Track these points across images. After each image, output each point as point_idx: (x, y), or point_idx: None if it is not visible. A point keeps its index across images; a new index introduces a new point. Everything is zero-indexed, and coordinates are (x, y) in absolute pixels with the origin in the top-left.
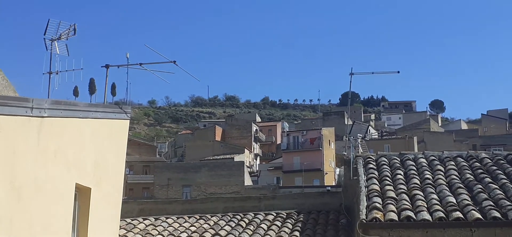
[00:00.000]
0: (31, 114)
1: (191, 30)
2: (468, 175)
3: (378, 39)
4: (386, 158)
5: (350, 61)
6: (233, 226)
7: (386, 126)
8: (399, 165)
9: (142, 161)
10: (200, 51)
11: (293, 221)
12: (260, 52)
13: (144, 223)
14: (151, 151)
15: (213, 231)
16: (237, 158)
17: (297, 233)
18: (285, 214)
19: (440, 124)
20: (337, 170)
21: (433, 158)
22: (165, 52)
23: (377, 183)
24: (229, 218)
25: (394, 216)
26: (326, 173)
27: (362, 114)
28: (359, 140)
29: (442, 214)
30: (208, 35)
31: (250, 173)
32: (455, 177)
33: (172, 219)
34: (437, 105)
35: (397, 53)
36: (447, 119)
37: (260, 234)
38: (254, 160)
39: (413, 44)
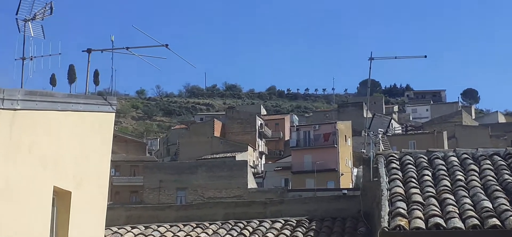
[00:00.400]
0: (2, 107)
1: (186, 10)
2: (507, 176)
3: (402, 19)
4: (412, 156)
5: (370, 45)
6: (235, 235)
7: (411, 119)
8: (426, 165)
9: (129, 160)
10: (196, 33)
11: (304, 229)
12: (265, 35)
13: (132, 232)
14: (140, 149)
15: None
16: (239, 156)
17: None
18: (295, 222)
19: (473, 117)
20: (355, 170)
21: (466, 156)
22: (156, 35)
23: (401, 185)
24: (230, 226)
25: (421, 223)
26: (342, 174)
27: (384, 106)
28: (380, 136)
29: (476, 221)
30: (205, 15)
31: (254, 174)
32: (491, 178)
33: (164, 227)
34: (470, 95)
35: (424, 35)
36: (481, 111)
37: None
38: (259, 159)
39: (442, 25)
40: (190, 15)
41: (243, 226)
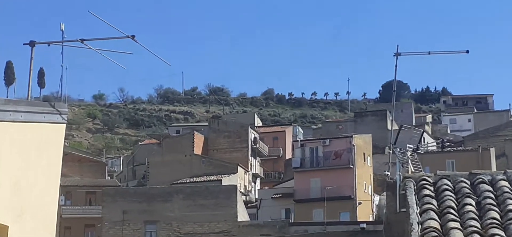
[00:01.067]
0: None
1: None
2: None
3: (437, 6)
4: (450, 180)
5: (395, 37)
6: None
7: (449, 131)
8: (469, 191)
9: (84, 185)
10: (170, 22)
11: None
12: (260, 24)
13: None
14: (98, 170)
15: None
16: (227, 180)
17: None
18: None
19: None
20: (376, 198)
21: None
22: (120, 24)
23: (436, 218)
24: None
25: None
26: (360, 203)
27: (414, 115)
28: (409, 153)
29: None
30: (184, 3)
31: (246, 202)
32: None
33: None
34: None
35: (464, 27)
36: None
37: None
38: (252, 184)
39: (487, 15)
40: (164, 2)
41: None
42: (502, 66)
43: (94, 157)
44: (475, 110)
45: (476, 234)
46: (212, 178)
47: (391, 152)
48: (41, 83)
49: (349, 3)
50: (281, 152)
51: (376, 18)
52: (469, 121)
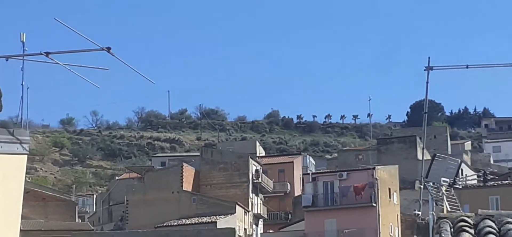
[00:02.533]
0: None
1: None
2: None
3: (475, 11)
4: (494, 221)
5: (426, 49)
6: None
7: (492, 161)
8: None
9: (50, 230)
10: (153, 33)
11: None
12: (263, 34)
13: None
14: (67, 211)
15: None
16: (223, 221)
17: None
18: None
19: None
20: None
21: None
22: (94, 36)
23: None
24: None
25: None
26: None
27: (449, 142)
28: (444, 189)
29: None
30: (170, 9)
31: None
32: None
33: None
34: None
35: (509, 36)
36: None
37: None
38: (254, 226)
39: None
40: (146, 9)
41: None
42: None
43: (62, 195)
44: None
45: None
46: (205, 219)
47: (422, 186)
48: None
49: (368, 6)
50: (289, 187)
51: (402, 26)
52: None
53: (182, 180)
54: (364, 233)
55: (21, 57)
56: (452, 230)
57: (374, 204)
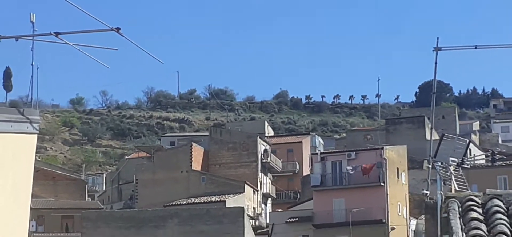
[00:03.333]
0: None
1: None
2: None
3: None
4: (502, 201)
5: (434, 29)
6: None
7: (500, 141)
8: None
9: (60, 208)
10: (163, 13)
11: None
12: (271, 15)
13: None
14: (77, 190)
15: None
16: (232, 201)
17: None
18: None
19: None
20: (413, 222)
21: None
22: (104, 16)
23: None
24: None
25: None
26: (393, 228)
27: (458, 122)
28: (452, 168)
29: None
30: None
31: (255, 228)
32: None
33: None
34: None
35: None
36: None
37: None
38: (263, 205)
39: None
40: None
41: None
42: None
43: (72, 174)
44: None
45: None
46: (214, 198)
47: (430, 166)
48: (7, 86)
49: None
50: (297, 167)
51: (412, 6)
52: None
53: (191, 159)
54: (372, 213)
55: (31, 38)
56: (460, 209)
57: (382, 184)
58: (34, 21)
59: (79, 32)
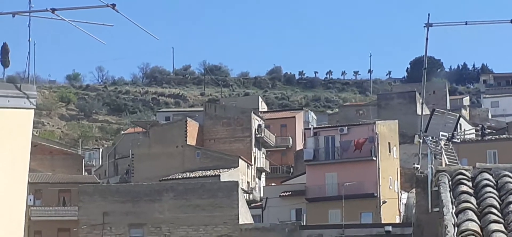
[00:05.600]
0: None
1: None
2: None
3: None
4: (491, 174)
5: (425, 5)
6: None
7: (490, 116)
8: None
9: (57, 182)
10: None
11: None
12: None
13: None
14: (73, 164)
15: None
16: (226, 175)
17: None
18: None
19: None
20: (404, 195)
21: None
22: None
23: (476, 219)
24: None
25: None
26: (385, 202)
27: (448, 97)
28: (443, 143)
29: None
30: None
31: (249, 202)
32: None
33: None
34: None
35: None
36: None
37: None
38: (257, 179)
39: None
40: None
41: None
42: None
43: (68, 149)
44: None
45: None
46: (208, 173)
47: (421, 141)
48: (4, 62)
49: None
50: (291, 141)
51: None
52: None
53: (186, 134)
54: (364, 186)
55: (27, 14)
56: (450, 183)
57: (374, 158)
58: None
59: (75, 8)
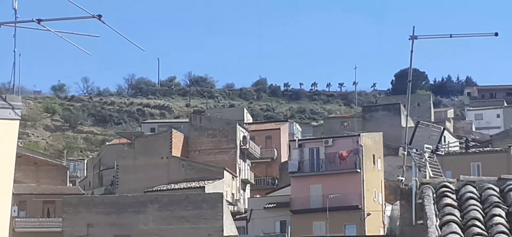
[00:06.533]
0: None
1: None
2: None
3: None
4: (475, 187)
5: (410, 18)
6: None
7: (474, 129)
8: (498, 200)
9: (42, 193)
10: (145, 2)
11: None
12: (252, 4)
13: None
14: (58, 175)
15: None
16: (211, 187)
17: None
18: None
19: None
20: (388, 208)
21: None
22: (85, 3)
23: (459, 232)
24: None
25: None
26: (369, 214)
27: (433, 110)
28: (427, 155)
29: None
30: None
31: (234, 214)
32: None
33: None
34: None
35: (492, 6)
36: None
37: None
38: (241, 191)
39: None
40: None
41: None
42: None
43: (53, 160)
44: (505, 104)
45: None
46: (193, 184)
47: (405, 153)
48: None
49: None
50: (276, 153)
51: None
52: (498, 116)
53: (171, 145)
54: (348, 198)
55: (13, 24)
56: (434, 195)
57: (358, 170)
58: (16, 8)
59: (61, 19)
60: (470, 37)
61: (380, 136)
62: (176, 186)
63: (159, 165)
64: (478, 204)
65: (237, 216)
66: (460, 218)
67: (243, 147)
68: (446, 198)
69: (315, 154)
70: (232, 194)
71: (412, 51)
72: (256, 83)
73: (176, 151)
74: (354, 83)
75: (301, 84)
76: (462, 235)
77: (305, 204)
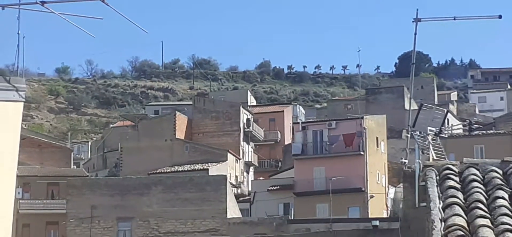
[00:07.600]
0: None
1: None
2: None
3: None
4: (478, 169)
5: (414, 1)
6: None
7: (477, 111)
8: (501, 182)
9: (45, 176)
10: None
11: None
12: None
13: None
14: (62, 158)
15: None
16: (215, 169)
17: None
18: None
19: None
20: (392, 190)
21: None
22: None
23: (463, 214)
24: None
25: None
26: (372, 196)
27: (436, 92)
28: (430, 138)
29: None
30: None
31: (237, 196)
32: None
33: None
34: None
35: None
36: None
37: None
38: (245, 174)
39: None
40: None
41: None
42: None
43: (57, 142)
44: (509, 87)
45: (509, 233)
46: (197, 167)
47: (409, 136)
48: None
49: None
50: (279, 136)
51: None
52: (502, 99)
53: (175, 128)
54: (351, 181)
55: (17, 7)
56: (437, 177)
57: (362, 153)
58: None
59: (65, 1)
60: (473, 20)
61: (383, 119)
62: (180, 168)
63: (163, 147)
64: (481, 186)
65: (240, 198)
66: (463, 201)
67: (246, 130)
68: (449, 180)
69: (318, 137)
70: (236, 176)
71: (415, 34)
72: (260, 66)
73: (180, 133)
74: (358, 66)
75: (304, 67)
76: (465, 217)
77: (309, 187)
